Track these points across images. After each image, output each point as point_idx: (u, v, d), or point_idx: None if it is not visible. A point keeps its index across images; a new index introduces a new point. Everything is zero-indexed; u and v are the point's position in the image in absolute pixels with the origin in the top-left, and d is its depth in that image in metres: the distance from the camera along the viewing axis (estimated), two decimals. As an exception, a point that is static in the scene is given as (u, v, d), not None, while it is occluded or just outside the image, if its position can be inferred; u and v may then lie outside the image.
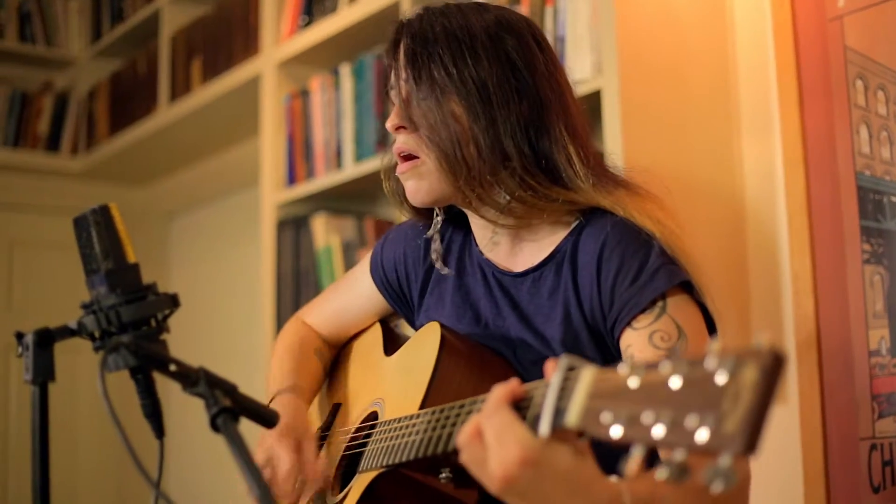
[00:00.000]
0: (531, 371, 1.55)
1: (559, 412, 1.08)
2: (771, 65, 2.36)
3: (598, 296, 1.52)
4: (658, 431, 0.94)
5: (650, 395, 0.97)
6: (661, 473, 0.93)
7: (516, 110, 1.55)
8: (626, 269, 1.49)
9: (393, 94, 1.62)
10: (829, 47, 2.22)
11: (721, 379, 0.91)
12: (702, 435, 0.90)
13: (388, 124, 1.61)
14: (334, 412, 1.80)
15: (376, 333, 1.84)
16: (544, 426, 1.09)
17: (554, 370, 1.13)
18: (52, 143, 4.74)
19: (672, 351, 0.97)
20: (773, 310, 2.33)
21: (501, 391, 1.16)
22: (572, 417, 1.05)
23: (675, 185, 2.26)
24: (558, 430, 1.08)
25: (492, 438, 1.13)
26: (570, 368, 1.10)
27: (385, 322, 1.88)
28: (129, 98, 4.46)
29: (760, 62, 2.40)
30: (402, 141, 1.60)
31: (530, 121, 1.56)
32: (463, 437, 1.16)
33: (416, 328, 1.76)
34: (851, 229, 2.16)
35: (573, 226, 1.59)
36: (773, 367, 0.89)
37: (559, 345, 1.55)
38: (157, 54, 4.23)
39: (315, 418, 1.86)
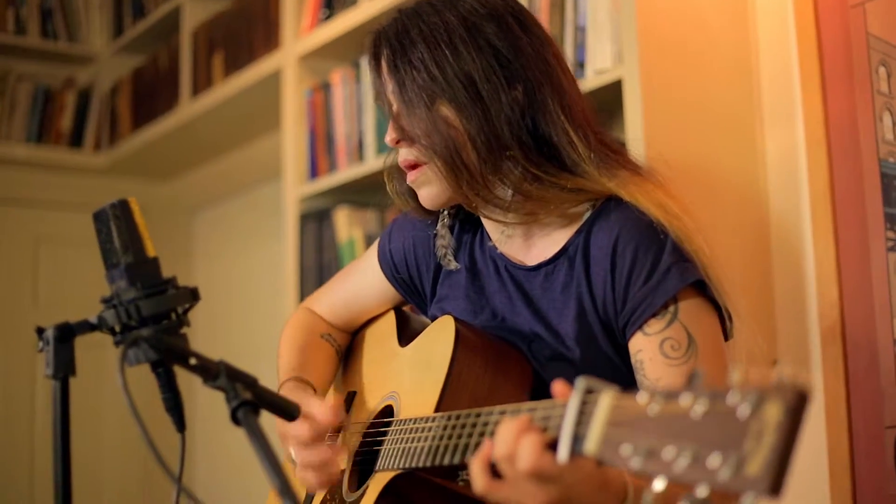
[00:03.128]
0: (546, 367, 1.55)
1: (577, 439, 1.07)
2: (793, 52, 2.34)
3: (611, 292, 1.51)
4: (679, 467, 0.93)
5: (670, 426, 0.95)
6: None
7: (508, 99, 1.52)
8: (639, 267, 1.48)
9: (386, 106, 1.60)
10: (852, 34, 2.20)
11: (744, 414, 0.89)
12: (724, 475, 0.89)
13: (387, 139, 1.59)
14: (350, 400, 1.79)
15: (390, 321, 1.83)
16: (563, 453, 1.08)
17: (563, 390, 1.13)
18: (76, 140, 4.76)
19: (692, 377, 0.95)
20: (796, 298, 2.32)
21: (516, 426, 1.17)
22: (591, 446, 1.04)
23: (697, 172, 2.26)
24: (576, 457, 1.07)
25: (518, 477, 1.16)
26: (589, 391, 1.08)
27: (399, 309, 1.86)
28: (151, 93, 4.48)
29: (782, 49, 2.38)
30: (404, 154, 1.59)
31: (525, 107, 1.53)
32: (484, 486, 1.21)
33: (429, 318, 1.75)
34: (875, 217, 2.14)
35: (584, 218, 1.57)
36: (797, 405, 0.87)
37: (573, 341, 1.54)
38: (179, 49, 4.24)
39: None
